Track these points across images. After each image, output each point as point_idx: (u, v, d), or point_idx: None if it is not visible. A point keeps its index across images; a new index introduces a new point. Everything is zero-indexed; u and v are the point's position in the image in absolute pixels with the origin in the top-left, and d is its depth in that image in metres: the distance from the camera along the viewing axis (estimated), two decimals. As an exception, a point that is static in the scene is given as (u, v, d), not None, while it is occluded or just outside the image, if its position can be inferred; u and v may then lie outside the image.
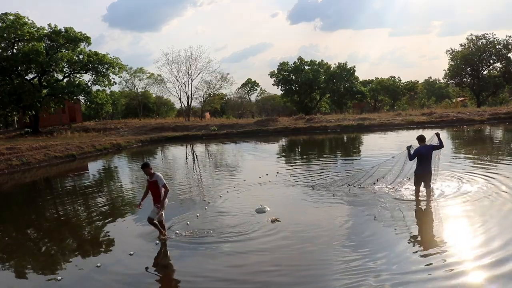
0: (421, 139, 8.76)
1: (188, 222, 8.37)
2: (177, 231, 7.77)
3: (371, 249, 6.44)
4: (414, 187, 9.18)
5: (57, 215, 10.62)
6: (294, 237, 7.28)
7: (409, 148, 9.03)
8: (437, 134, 8.88)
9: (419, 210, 8.51)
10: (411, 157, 8.86)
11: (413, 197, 9.09)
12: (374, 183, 10.45)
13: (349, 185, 10.63)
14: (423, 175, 8.75)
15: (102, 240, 8.02)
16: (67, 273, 6.42)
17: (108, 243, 7.84)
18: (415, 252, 6.31)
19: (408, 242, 6.73)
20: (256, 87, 72.62)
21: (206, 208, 9.47)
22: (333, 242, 6.89)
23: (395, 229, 7.34)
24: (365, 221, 7.93)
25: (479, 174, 11.39)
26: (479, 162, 13.90)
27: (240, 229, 7.75)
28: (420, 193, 8.99)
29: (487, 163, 13.68)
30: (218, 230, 7.81)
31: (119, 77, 38.97)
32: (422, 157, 8.65)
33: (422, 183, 8.84)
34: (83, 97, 35.87)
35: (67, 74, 35.23)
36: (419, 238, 7.00)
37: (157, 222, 7.32)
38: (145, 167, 7.42)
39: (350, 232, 7.42)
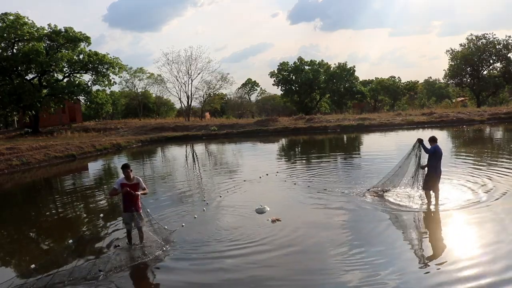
0: (433, 139, 8.49)
1: (183, 224, 8.27)
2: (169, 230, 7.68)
3: (379, 259, 6.05)
4: (416, 189, 8.92)
5: (57, 215, 10.61)
6: (294, 243, 7.01)
7: (421, 141, 8.80)
8: (420, 141, 8.81)
9: (432, 216, 8.12)
10: (428, 151, 8.41)
11: (422, 202, 8.67)
12: (384, 190, 9.70)
13: (365, 195, 9.73)
14: (437, 177, 8.38)
15: (102, 240, 7.99)
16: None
17: (109, 243, 7.80)
18: (428, 264, 5.90)
19: (420, 252, 6.39)
20: (256, 87, 72.68)
21: (204, 209, 9.42)
22: (336, 250, 6.55)
23: (404, 234, 7.15)
24: (368, 225, 7.71)
25: (493, 173, 11.22)
26: (487, 161, 13.86)
27: (240, 233, 7.60)
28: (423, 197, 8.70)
29: (497, 162, 13.49)
30: (216, 233, 7.66)
31: (119, 77, 39.01)
32: (438, 157, 8.32)
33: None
34: (83, 97, 35.86)
35: (67, 74, 35.21)
36: (433, 248, 6.56)
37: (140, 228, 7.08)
38: (126, 168, 6.91)
39: (354, 238, 7.09)
